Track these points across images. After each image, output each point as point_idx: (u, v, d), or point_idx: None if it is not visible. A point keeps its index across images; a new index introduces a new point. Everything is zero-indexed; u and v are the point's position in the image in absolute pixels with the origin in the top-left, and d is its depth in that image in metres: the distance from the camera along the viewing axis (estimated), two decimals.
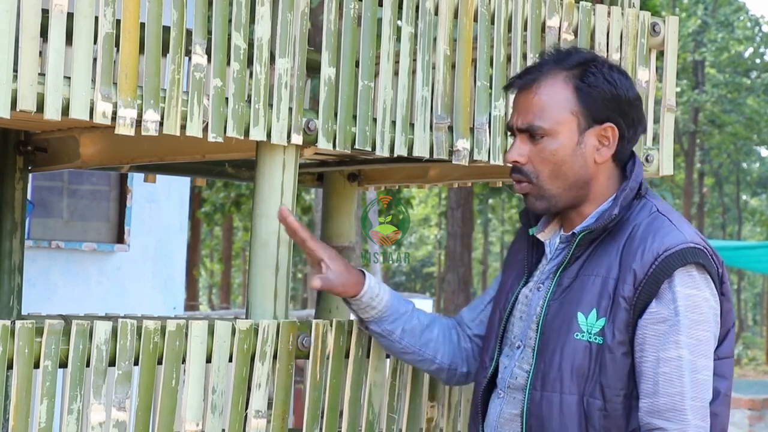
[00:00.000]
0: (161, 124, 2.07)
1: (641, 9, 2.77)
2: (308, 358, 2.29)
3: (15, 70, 1.90)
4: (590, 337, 2.05)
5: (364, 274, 2.28)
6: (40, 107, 1.93)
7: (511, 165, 2.18)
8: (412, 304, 2.37)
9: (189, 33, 2.13)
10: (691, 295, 2.04)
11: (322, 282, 2.23)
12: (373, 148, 2.37)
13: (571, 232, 2.15)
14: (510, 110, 2.54)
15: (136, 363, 2.07)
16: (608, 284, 2.06)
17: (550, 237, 2.22)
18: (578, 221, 2.17)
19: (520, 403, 2.12)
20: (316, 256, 2.25)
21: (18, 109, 1.90)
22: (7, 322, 1.93)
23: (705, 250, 2.07)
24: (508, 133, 2.23)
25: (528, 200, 2.17)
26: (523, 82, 2.17)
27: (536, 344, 2.11)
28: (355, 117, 2.34)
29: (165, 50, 2.09)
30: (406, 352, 2.33)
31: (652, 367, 2.02)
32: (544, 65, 2.17)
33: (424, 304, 12.57)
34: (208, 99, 2.14)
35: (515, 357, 2.16)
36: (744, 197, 35.98)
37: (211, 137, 2.14)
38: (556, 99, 2.12)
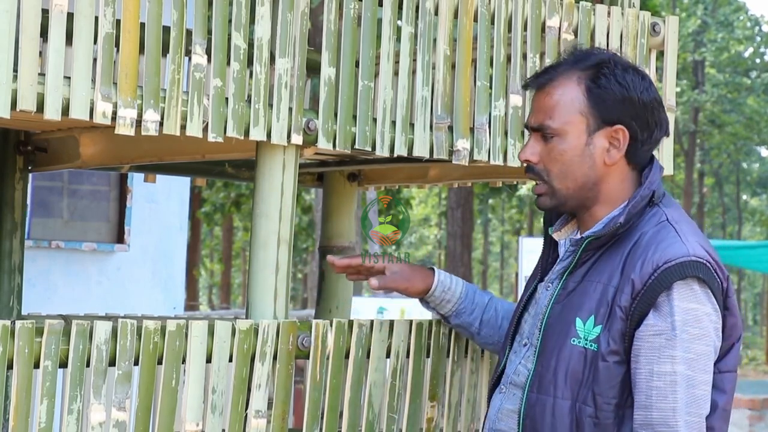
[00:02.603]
0: (161, 124, 2.07)
1: (641, 9, 2.77)
2: (308, 358, 2.29)
3: (15, 70, 1.90)
4: (586, 344, 2.04)
5: (433, 270, 2.41)
6: (40, 107, 1.93)
7: (524, 164, 2.19)
8: (490, 295, 2.47)
9: (189, 33, 2.13)
10: (692, 309, 2.01)
11: (380, 282, 2.37)
12: (373, 148, 2.37)
13: (579, 236, 2.15)
14: (510, 110, 2.56)
15: (136, 363, 2.07)
16: (608, 292, 2.05)
17: (564, 237, 2.23)
18: (590, 224, 2.16)
19: (519, 400, 2.13)
20: (376, 270, 2.41)
21: (18, 109, 1.90)
22: (7, 322, 1.93)
23: (708, 263, 2.03)
24: (526, 132, 2.26)
25: (539, 200, 2.18)
26: (539, 81, 2.18)
27: (538, 345, 2.12)
28: (355, 117, 2.34)
29: (165, 50, 2.09)
30: (487, 343, 2.45)
31: (646, 380, 2.00)
32: (561, 65, 2.18)
33: None
34: (208, 99, 2.14)
35: (522, 354, 2.18)
36: (744, 197, 36.00)
37: (211, 137, 2.14)
38: (567, 99, 2.12)
